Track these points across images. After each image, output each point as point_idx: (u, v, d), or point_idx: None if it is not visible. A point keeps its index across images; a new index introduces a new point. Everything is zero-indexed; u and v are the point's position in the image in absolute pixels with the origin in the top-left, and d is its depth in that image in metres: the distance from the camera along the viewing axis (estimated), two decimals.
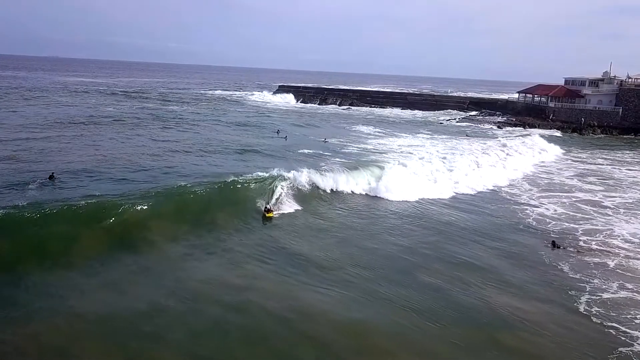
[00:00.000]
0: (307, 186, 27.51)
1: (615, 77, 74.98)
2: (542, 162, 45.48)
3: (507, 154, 44.50)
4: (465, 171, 35.86)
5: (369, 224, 23.90)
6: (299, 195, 26.52)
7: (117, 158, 30.61)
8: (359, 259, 19.09)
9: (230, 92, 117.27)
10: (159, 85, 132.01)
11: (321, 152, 39.53)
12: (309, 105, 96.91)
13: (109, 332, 13.21)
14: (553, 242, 22.91)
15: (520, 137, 56.79)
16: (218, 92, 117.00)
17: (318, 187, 28.06)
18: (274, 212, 23.46)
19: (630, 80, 73.80)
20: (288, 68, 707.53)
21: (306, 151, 39.30)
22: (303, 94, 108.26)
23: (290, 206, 24.99)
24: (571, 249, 22.35)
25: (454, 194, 30.92)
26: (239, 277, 16.76)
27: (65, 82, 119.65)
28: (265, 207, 23.55)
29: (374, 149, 42.39)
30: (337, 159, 36.13)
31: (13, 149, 31.82)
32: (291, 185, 26.75)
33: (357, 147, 42.91)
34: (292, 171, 27.77)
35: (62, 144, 34.70)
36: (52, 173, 24.69)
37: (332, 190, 28.46)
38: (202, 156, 33.73)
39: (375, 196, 29.11)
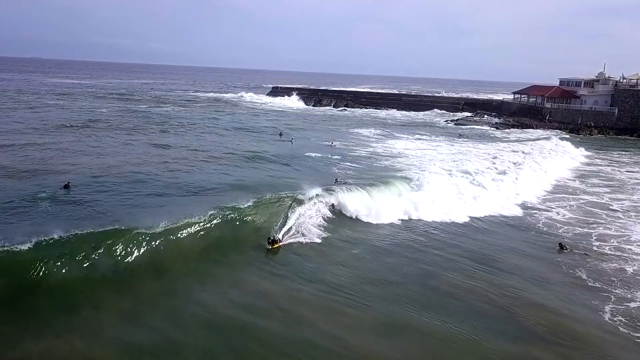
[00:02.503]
0: (329, 207, 24.51)
1: (609, 77, 75.50)
2: (577, 167, 43.55)
3: (534, 161, 42.09)
4: (493, 185, 32.78)
5: (383, 238, 22.82)
6: (321, 218, 23.62)
7: (123, 165, 29.72)
8: (382, 277, 18.38)
9: (223, 94, 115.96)
10: (148, 87, 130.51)
11: (329, 155, 38.88)
12: (303, 106, 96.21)
13: (127, 350, 12.75)
14: (560, 244, 22.74)
15: (540, 141, 55.50)
16: (210, 94, 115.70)
17: (342, 209, 24.84)
18: (284, 242, 20.48)
19: (624, 80, 74.35)
20: (276, 69, 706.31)
21: (313, 155, 38.64)
22: (297, 95, 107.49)
23: (312, 231, 21.76)
24: (578, 251, 22.15)
25: (491, 213, 27.77)
26: (264, 300, 16.00)
27: (53, 84, 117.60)
28: (269, 238, 20.09)
29: (383, 153, 41.76)
30: (348, 164, 35.60)
31: (14, 157, 30.78)
32: (311, 206, 23.70)
33: (365, 151, 42.28)
34: (312, 190, 24.65)
35: (64, 151, 33.74)
36: (68, 182, 23.85)
37: (357, 211, 24.95)
38: (210, 163, 32.74)
39: (404, 218, 25.92)
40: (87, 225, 18.12)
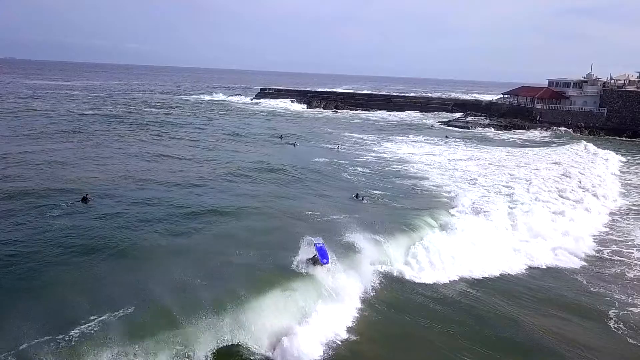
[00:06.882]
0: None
1: (597, 78, 76.64)
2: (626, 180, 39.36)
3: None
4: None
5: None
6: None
7: (128, 177, 28.11)
8: (394, 293, 17.63)
9: (209, 96, 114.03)
10: (130, 89, 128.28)
11: (335, 160, 38.11)
12: (293, 108, 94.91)
13: None
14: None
15: (570, 146, 52.63)
16: (198, 96, 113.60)
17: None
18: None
19: (612, 81, 75.56)
20: (257, 69, 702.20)
21: (321, 159, 37.83)
22: (286, 97, 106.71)
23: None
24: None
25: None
26: None
27: (33, 86, 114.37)
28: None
29: (389, 158, 41.03)
30: (359, 169, 34.89)
31: (13, 166, 29.28)
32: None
33: (370, 156, 41.61)
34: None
35: (65, 160, 32.21)
36: (86, 195, 22.67)
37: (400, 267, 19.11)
38: (215, 174, 30.66)
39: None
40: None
